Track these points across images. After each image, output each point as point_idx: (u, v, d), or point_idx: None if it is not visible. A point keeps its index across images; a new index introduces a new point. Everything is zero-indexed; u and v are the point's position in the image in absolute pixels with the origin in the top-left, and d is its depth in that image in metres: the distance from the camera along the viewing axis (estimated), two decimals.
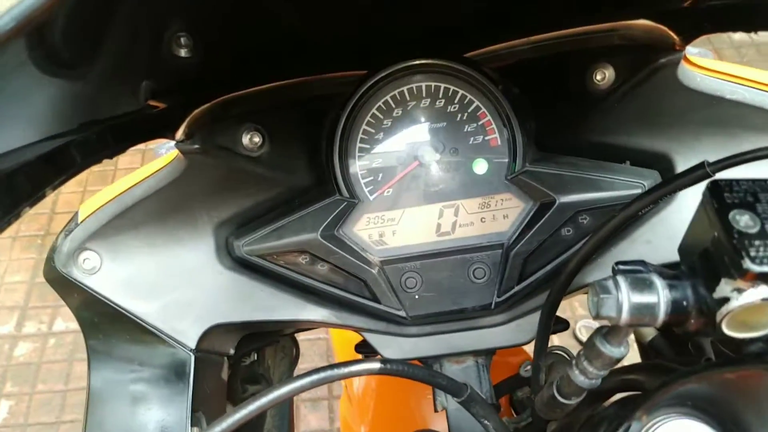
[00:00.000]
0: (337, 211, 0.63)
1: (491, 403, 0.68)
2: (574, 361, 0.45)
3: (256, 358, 0.94)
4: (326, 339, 2.39)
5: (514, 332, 0.67)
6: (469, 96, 0.64)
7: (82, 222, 0.63)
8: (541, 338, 0.54)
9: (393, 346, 0.67)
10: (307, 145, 0.66)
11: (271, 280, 0.65)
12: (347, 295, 0.65)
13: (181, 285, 0.65)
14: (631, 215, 0.46)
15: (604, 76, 0.59)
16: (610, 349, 0.42)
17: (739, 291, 0.34)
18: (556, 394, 0.48)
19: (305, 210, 0.63)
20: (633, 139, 0.61)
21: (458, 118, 0.64)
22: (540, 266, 0.63)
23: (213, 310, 0.65)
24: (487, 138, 0.64)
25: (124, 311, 0.63)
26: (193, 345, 0.64)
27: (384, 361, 0.50)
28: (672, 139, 0.59)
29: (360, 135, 0.65)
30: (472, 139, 0.64)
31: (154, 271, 0.64)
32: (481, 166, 0.64)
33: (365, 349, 0.76)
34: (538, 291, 0.64)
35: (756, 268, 0.32)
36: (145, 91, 0.53)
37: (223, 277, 0.65)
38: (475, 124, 0.64)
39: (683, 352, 0.76)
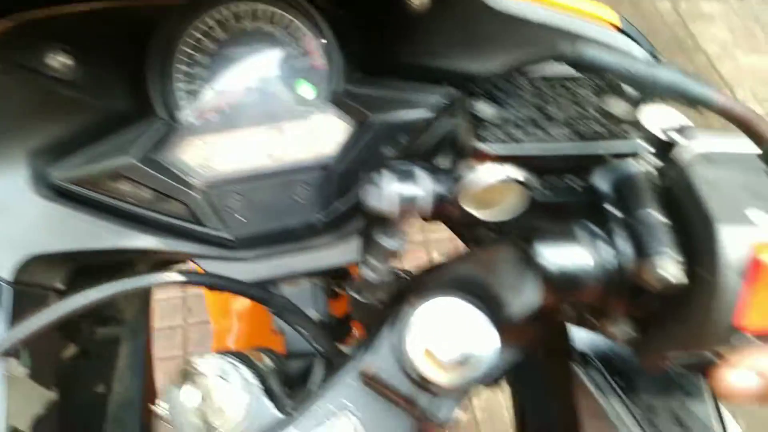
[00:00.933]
0: (156, 135, 0.62)
1: (326, 321, 0.70)
2: (362, 259, 0.48)
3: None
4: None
5: (343, 252, 0.69)
6: (292, 19, 0.64)
7: None
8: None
9: (227, 272, 0.67)
10: (127, 69, 0.64)
11: (91, 208, 0.64)
12: (173, 221, 0.64)
13: None
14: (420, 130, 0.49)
15: None
16: (386, 241, 0.45)
17: (474, 170, 0.37)
18: (355, 294, 0.51)
19: (123, 134, 0.62)
20: (448, 61, 0.63)
21: (281, 41, 0.64)
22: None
23: (29, 240, 0.62)
24: (309, 61, 0.65)
25: None
26: (7, 276, 0.61)
27: (186, 273, 0.51)
28: (485, 60, 0.62)
29: (182, 58, 0.63)
30: (295, 62, 0.65)
31: None
32: (304, 89, 0.65)
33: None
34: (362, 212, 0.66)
35: (484, 148, 0.35)
36: None
37: (39, 207, 0.62)
38: (297, 47, 0.64)
39: None
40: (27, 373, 0.63)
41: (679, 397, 0.59)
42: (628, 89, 0.40)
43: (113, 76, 0.63)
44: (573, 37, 0.56)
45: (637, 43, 0.61)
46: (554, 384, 0.66)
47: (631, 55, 0.44)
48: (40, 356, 0.65)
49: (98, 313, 0.90)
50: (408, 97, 0.62)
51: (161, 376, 1.03)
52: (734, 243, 0.32)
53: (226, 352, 0.50)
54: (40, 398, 0.65)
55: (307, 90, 0.65)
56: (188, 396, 0.43)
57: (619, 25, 0.62)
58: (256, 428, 0.48)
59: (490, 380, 0.48)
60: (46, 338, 0.69)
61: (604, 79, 0.40)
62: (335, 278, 0.80)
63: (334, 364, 0.58)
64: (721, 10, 3.88)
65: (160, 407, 0.46)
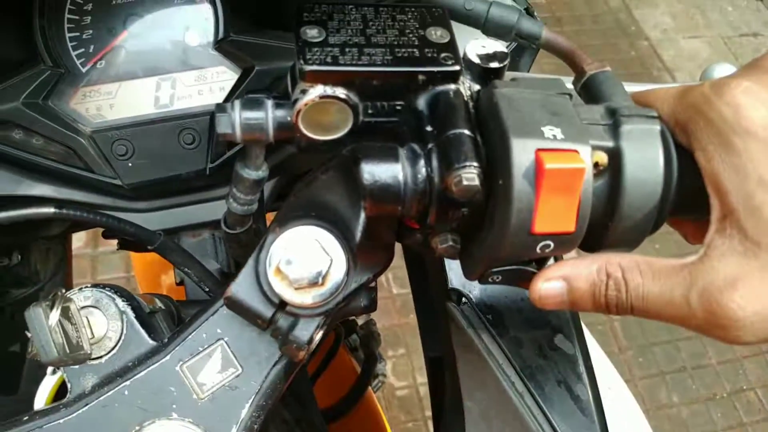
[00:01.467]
0: (42, 81, 0.63)
1: (227, 271, 0.73)
2: (228, 192, 0.50)
3: (19, 260, 0.93)
4: None
5: None
6: None
7: None
8: None
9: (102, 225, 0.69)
10: (11, 18, 0.64)
11: None
12: (63, 167, 0.65)
13: None
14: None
15: None
16: (247, 172, 0.47)
17: (304, 91, 0.39)
18: (225, 228, 0.53)
19: (8, 81, 0.62)
20: None
21: None
22: None
23: None
24: (196, 10, 0.66)
25: None
26: None
27: (59, 204, 0.52)
28: None
29: (67, 5, 0.64)
30: (181, 11, 0.66)
31: None
32: (192, 37, 0.66)
33: (107, 235, 0.78)
34: None
35: (307, 68, 0.38)
36: None
37: None
38: None
39: None
40: None
41: (545, 330, 0.64)
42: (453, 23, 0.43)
43: None
44: None
45: None
46: (443, 320, 0.70)
47: None
48: None
49: (12, 273, 0.91)
50: (291, 46, 0.64)
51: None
52: (524, 152, 0.36)
53: (103, 285, 0.52)
54: None
55: (193, 38, 0.67)
56: (51, 317, 0.45)
57: None
58: (129, 356, 0.50)
59: (356, 307, 0.51)
60: None
61: (433, 11, 0.43)
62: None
63: None
64: None
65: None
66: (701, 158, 0.39)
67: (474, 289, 0.65)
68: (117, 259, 2.37)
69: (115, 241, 0.83)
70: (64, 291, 0.49)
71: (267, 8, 0.67)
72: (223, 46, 0.66)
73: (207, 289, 0.63)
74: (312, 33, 0.40)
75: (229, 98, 0.66)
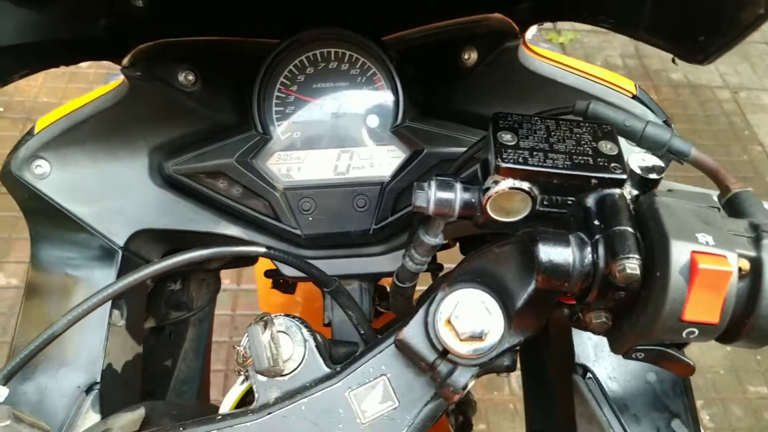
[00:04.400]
0: (252, 143, 0.77)
1: (369, 320, 0.83)
2: (406, 252, 0.61)
3: (181, 286, 1.07)
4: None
5: (392, 261, 0.82)
6: (369, 64, 0.79)
7: (37, 133, 0.76)
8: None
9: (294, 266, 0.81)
10: (235, 90, 0.80)
11: (193, 198, 0.79)
12: (255, 214, 0.79)
13: (116, 195, 0.78)
14: (463, 161, 0.63)
15: (470, 56, 0.75)
16: (428, 238, 0.58)
17: (496, 182, 0.50)
18: (396, 281, 0.64)
19: (226, 140, 0.77)
20: (490, 108, 0.77)
21: (358, 81, 0.79)
22: (410, 203, 0.78)
23: (141, 217, 0.78)
24: (379, 98, 0.79)
25: (66, 211, 0.76)
26: (121, 243, 0.77)
27: (269, 247, 0.65)
28: (518, 110, 0.75)
29: (277, 86, 0.79)
30: (367, 98, 0.79)
31: (94, 181, 0.77)
32: (372, 120, 0.79)
33: (273, 274, 0.91)
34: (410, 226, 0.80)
35: (503, 165, 0.48)
36: (101, 26, 0.67)
37: (153, 192, 0.78)
38: (370, 87, 0.79)
39: None
40: (124, 325, 0.77)
41: (663, 414, 0.69)
42: (621, 139, 0.53)
43: (225, 94, 0.79)
44: (591, 97, 0.69)
45: (649, 108, 0.74)
46: (559, 393, 0.77)
47: (632, 114, 0.57)
48: (132, 315, 0.80)
49: (174, 297, 1.05)
50: (455, 135, 0.76)
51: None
52: (682, 252, 0.44)
53: (293, 316, 0.63)
54: (130, 348, 0.79)
55: (374, 122, 0.80)
56: (264, 334, 0.56)
57: (635, 92, 0.75)
58: (307, 377, 0.60)
59: (500, 365, 0.59)
60: (137, 303, 0.84)
61: (603, 127, 0.53)
62: (379, 292, 0.93)
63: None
64: None
65: (240, 346, 0.59)
66: None
67: (599, 366, 0.71)
68: (255, 296, 2.55)
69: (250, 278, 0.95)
70: (269, 315, 0.60)
71: (437, 101, 0.80)
72: (399, 129, 0.78)
73: (362, 332, 0.73)
74: (507, 137, 0.50)
75: (398, 174, 0.78)
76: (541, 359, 0.90)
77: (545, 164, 0.49)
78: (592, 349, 0.71)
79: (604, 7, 0.52)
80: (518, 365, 1.01)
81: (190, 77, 0.75)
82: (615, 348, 0.51)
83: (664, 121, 0.76)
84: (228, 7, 0.71)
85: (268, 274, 0.92)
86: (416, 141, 0.77)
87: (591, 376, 0.71)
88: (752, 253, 0.45)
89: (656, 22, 0.45)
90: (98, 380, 0.70)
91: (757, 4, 0.36)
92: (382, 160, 0.80)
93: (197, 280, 1.11)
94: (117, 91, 0.73)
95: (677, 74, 3.92)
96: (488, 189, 0.50)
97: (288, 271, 0.77)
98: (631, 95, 0.75)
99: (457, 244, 1.09)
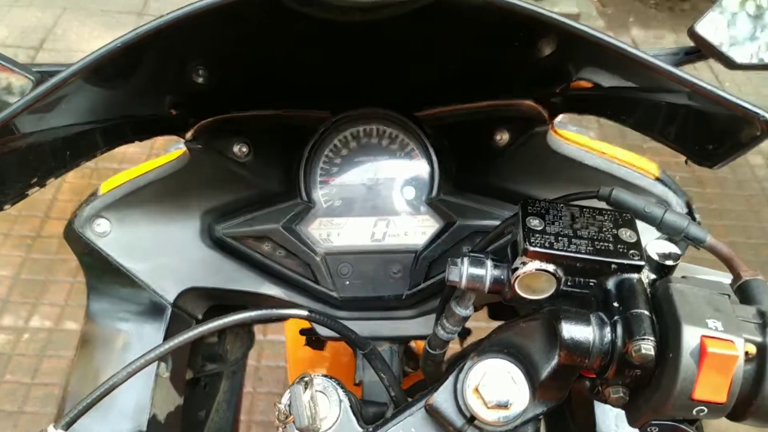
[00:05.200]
0: (297, 211, 0.83)
1: (399, 381, 0.87)
2: (438, 321, 0.65)
3: (217, 340, 1.13)
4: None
5: (422, 325, 0.86)
6: (407, 140, 0.86)
7: (101, 195, 0.83)
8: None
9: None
10: (283, 161, 0.87)
11: (239, 259, 0.85)
12: (296, 276, 0.84)
13: (169, 254, 0.84)
14: (494, 236, 0.68)
15: (502, 137, 0.81)
16: (459, 310, 0.62)
17: (524, 263, 0.55)
18: (428, 348, 0.68)
19: (273, 207, 0.84)
20: (519, 186, 0.83)
21: (396, 155, 0.86)
22: (442, 270, 0.83)
23: (191, 276, 0.84)
24: (415, 172, 0.86)
25: (122, 268, 0.83)
26: (171, 299, 0.83)
27: (311, 310, 0.70)
28: (546, 189, 0.81)
29: (323, 158, 0.86)
30: (404, 171, 0.86)
31: (150, 241, 0.84)
32: (408, 192, 0.85)
33: (308, 332, 0.96)
34: (441, 293, 0.84)
35: (531, 248, 0.53)
36: (168, 102, 0.74)
37: (203, 252, 0.84)
38: (408, 161, 0.86)
39: None
40: (168, 376, 0.82)
41: None
42: (640, 224, 0.58)
43: (273, 164, 0.86)
44: (616, 181, 0.75)
45: (671, 190, 0.79)
46: None
47: (651, 201, 0.62)
48: (176, 368, 0.85)
49: (211, 351, 1.10)
50: (486, 209, 0.81)
51: None
52: (692, 336, 0.48)
53: (330, 377, 0.68)
54: (173, 399, 0.84)
55: (410, 193, 0.85)
56: (305, 394, 0.61)
57: (657, 174, 0.80)
58: None
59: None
60: (181, 356, 0.90)
61: (623, 215, 0.58)
62: (408, 354, 0.97)
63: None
64: None
65: (280, 404, 0.63)
66: None
67: None
68: (282, 348, 2.58)
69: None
70: (309, 375, 0.64)
71: (470, 177, 0.85)
72: (433, 201, 0.84)
73: (392, 394, 0.77)
74: (534, 222, 0.56)
75: (431, 244, 0.83)
76: (565, 429, 0.92)
77: (569, 249, 0.54)
78: (613, 420, 0.74)
79: (624, 111, 0.58)
80: None
81: (244, 149, 0.82)
82: (631, 421, 0.54)
83: (686, 202, 0.81)
84: (279, 85, 0.78)
85: (303, 332, 0.97)
86: (449, 213, 0.82)
87: None
88: (759, 339, 0.49)
89: (667, 129, 0.50)
90: (144, 429, 0.75)
91: (754, 128, 0.41)
92: (417, 230, 0.85)
93: (233, 334, 1.17)
94: (178, 161, 0.81)
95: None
96: (517, 269, 0.55)
97: (324, 331, 0.82)
98: (654, 177, 0.80)
99: (485, 307, 1.13)
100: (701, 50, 0.79)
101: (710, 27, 0.77)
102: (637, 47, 0.50)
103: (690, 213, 0.79)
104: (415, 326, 0.87)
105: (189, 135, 0.78)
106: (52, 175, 0.60)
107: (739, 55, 0.76)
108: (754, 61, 0.76)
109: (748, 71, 0.73)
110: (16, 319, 2.62)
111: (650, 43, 4.49)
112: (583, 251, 0.54)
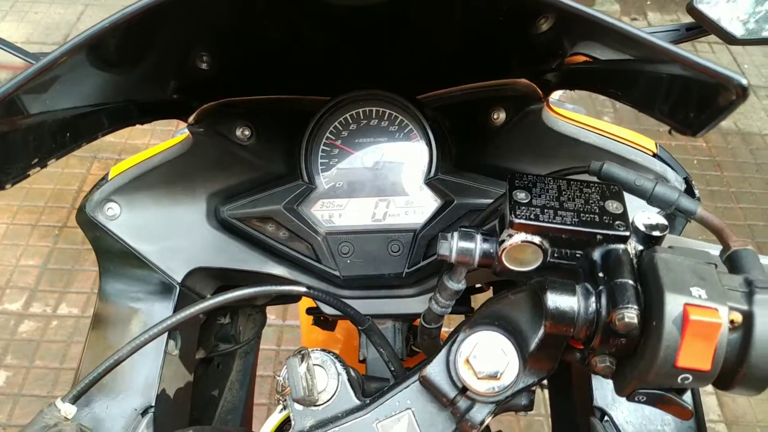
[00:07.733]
0: (298, 192, 0.85)
1: (400, 357, 0.88)
2: (432, 295, 0.67)
3: (230, 320, 1.15)
4: None
5: (423, 303, 0.87)
6: (406, 121, 0.87)
7: (110, 180, 0.86)
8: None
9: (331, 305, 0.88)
10: (285, 143, 0.88)
11: (244, 239, 0.87)
12: (299, 256, 0.86)
13: (177, 235, 0.86)
14: (488, 213, 0.69)
15: (499, 116, 0.81)
16: (451, 283, 0.63)
17: (510, 236, 0.55)
18: (423, 323, 0.69)
19: (276, 189, 0.85)
20: (516, 164, 0.83)
21: (396, 136, 0.87)
22: None
23: (198, 256, 0.87)
24: (414, 152, 0.87)
25: (132, 249, 0.85)
26: (179, 279, 0.85)
27: (309, 287, 0.72)
28: (542, 166, 0.81)
29: (323, 140, 0.87)
30: (404, 152, 0.87)
31: (158, 223, 0.86)
32: (408, 172, 0.86)
33: (314, 311, 0.98)
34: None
35: (516, 220, 0.54)
36: (171, 87, 0.76)
37: (209, 234, 0.87)
38: (407, 142, 0.87)
39: None
40: (177, 354, 0.85)
41: None
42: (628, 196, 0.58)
43: (276, 147, 0.88)
44: (612, 157, 0.75)
45: (670, 166, 0.79)
46: None
47: (642, 174, 0.62)
48: (185, 346, 0.88)
49: (223, 331, 1.13)
50: (483, 187, 0.82)
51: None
52: (675, 304, 0.48)
53: (329, 351, 0.69)
54: (182, 376, 0.86)
55: (409, 174, 0.86)
56: (300, 366, 0.63)
57: (655, 151, 0.79)
58: (339, 408, 0.66)
59: (518, 404, 0.64)
60: (190, 335, 0.92)
61: (611, 188, 0.58)
62: (413, 333, 0.98)
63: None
64: None
65: (279, 377, 0.65)
66: None
67: (615, 410, 0.75)
68: (299, 332, 2.62)
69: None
70: (309, 350, 0.66)
71: (467, 156, 0.86)
72: (432, 181, 0.85)
73: (392, 369, 0.79)
74: (521, 195, 0.56)
75: (429, 222, 0.84)
76: (567, 402, 0.93)
77: (554, 221, 0.54)
78: (610, 393, 0.75)
79: (614, 84, 0.59)
80: (548, 407, 1.04)
81: (247, 132, 0.84)
82: (618, 390, 0.55)
83: (685, 179, 0.81)
84: (281, 70, 0.80)
85: (309, 311, 0.99)
86: (447, 192, 0.83)
87: (608, 419, 0.74)
88: (744, 307, 0.49)
89: (655, 98, 0.51)
90: (153, 404, 0.78)
91: (730, 92, 0.42)
92: (416, 209, 0.86)
93: (245, 315, 1.19)
94: (182, 145, 0.83)
95: (726, 121, 3.87)
96: (503, 241, 0.56)
97: (326, 309, 0.84)
98: (651, 153, 0.80)
99: (491, 288, 1.14)
100: (702, 26, 0.79)
101: (709, 2, 0.76)
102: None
103: (690, 189, 0.79)
104: (416, 304, 0.88)
105: (191, 119, 0.80)
106: (54, 155, 0.62)
107: (739, 30, 0.76)
108: (754, 35, 0.76)
109: (753, 46, 0.72)
110: (44, 307, 2.70)
111: None
112: (568, 223, 0.54)
